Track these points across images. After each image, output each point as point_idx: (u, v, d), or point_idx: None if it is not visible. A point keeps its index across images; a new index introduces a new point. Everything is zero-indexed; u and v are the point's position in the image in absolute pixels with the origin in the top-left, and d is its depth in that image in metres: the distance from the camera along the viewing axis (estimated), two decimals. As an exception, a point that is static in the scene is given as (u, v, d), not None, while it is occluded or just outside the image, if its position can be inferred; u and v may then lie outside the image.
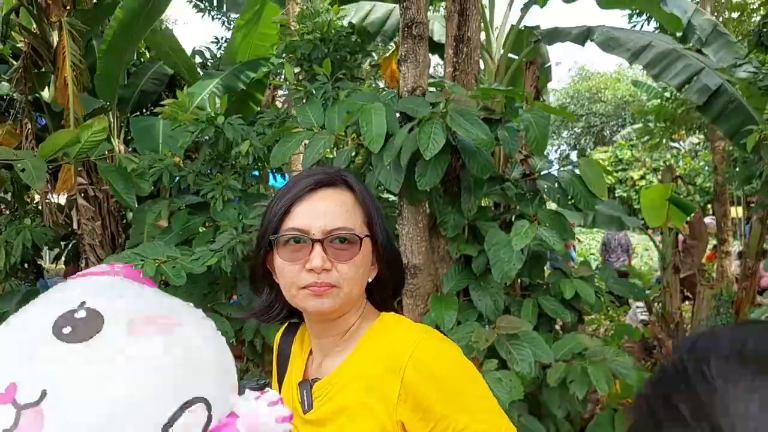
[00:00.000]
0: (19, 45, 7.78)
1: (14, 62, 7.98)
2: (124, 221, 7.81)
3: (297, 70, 5.23)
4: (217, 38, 11.95)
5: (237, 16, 13.66)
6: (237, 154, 4.56)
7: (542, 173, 4.37)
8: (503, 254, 3.68)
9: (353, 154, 4.28)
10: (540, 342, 3.50)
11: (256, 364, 4.99)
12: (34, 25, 7.30)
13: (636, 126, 25.70)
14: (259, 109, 8.05)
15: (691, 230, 7.01)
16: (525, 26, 5.71)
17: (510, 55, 5.78)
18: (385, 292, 1.35)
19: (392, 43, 8.08)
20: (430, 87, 4.25)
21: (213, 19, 13.47)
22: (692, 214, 6.19)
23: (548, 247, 4.20)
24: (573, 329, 4.23)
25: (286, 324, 1.48)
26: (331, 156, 4.63)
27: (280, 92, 11.19)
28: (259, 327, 4.69)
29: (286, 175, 7.57)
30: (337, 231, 1.20)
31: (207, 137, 4.56)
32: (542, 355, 3.44)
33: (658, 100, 17.80)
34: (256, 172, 5.76)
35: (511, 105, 4.30)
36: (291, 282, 1.20)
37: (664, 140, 10.26)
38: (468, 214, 4.08)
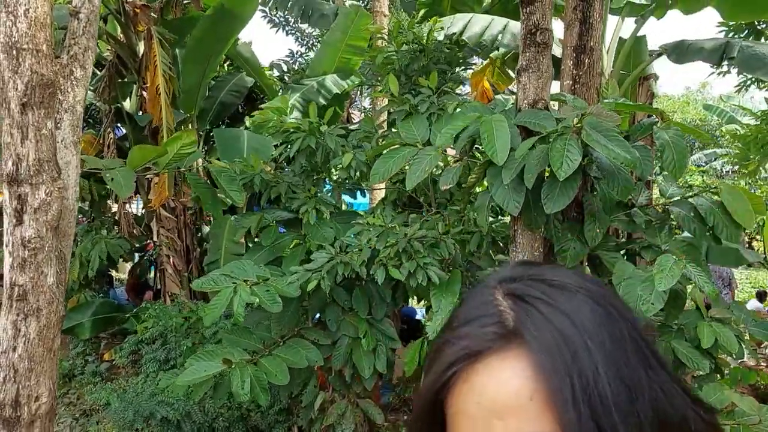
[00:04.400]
0: (104, 54, 7.77)
1: (98, 71, 7.99)
2: (199, 234, 7.66)
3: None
4: (292, 52, 11.91)
5: (311, 30, 13.74)
6: (335, 166, 4.27)
7: (674, 199, 3.91)
8: (641, 291, 3.23)
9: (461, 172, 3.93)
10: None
11: (342, 395, 4.64)
12: (120, 35, 7.26)
13: (707, 151, 24.60)
14: (336, 123, 7.83)
15: (810, 267, 6.34)
16: (636, 37, 5.25)
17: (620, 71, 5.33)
18: None
19: (477, 59, 7.75)
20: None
21: (287, 34, 13.47)
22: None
23: (682, 283, 3.74)
24: (709, 379, 3.71)
25: None
26: (437, 172, 4.28)
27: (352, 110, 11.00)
28: (350, 355, 4.35)
29: (366, 192, 7.29)
30: None
31: (305, 146, 4.29)
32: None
33: (733, 125, 16.85)
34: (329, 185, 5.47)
35: (641, 123, 3.87)
36: None
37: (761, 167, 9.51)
38: (592, 243, 3.65)
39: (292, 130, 4.38)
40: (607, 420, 0.58)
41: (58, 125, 3.67)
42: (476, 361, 0.62)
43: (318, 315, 4.88)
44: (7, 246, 3.37)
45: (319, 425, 4.74)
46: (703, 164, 24.95)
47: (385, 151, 4.16)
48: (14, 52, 3.26)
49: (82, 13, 3.85)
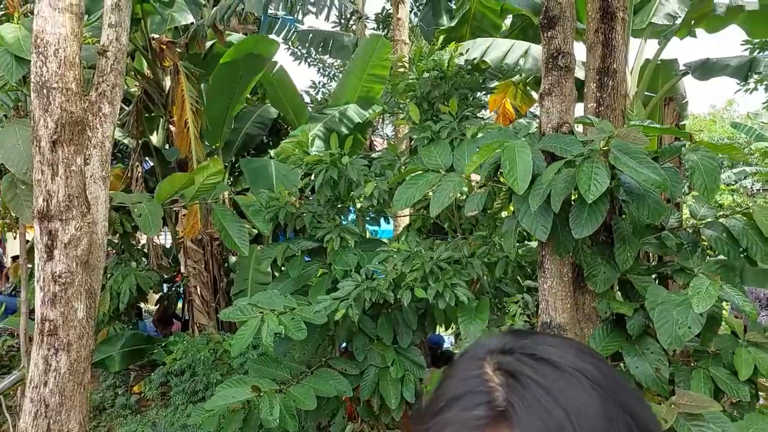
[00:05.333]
0: (131, 90, 7.95)
1: (125, 107, 8.16)
2: (226, 265, 7.70)
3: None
4: (314, 83, 12.07)
5: (332, 61, 13.92)
6: (359, 195, 4.29)
7: (705, 221, 3.82)
8: (677, 315, 3.15)
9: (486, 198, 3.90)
10: (728, 425, 2.92)
11: (371, 426, 4.58)
12: (147, 70, 7.42)
13: (736, 170, 24.16)
14: (360, 152, 7.86)
15: None
16: (661, 59, 5.22)
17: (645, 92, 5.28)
18: None
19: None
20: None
21: (309, 66, 13.66)
22: None
23: (718, 306, 3.64)
24: (749, 407, 3.59)
25: None
26: (462, 197, 4.26)
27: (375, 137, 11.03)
28: (377, 385, 4.30)
29: (390, 220, 7.28)
30: None
31: (328, 178, 4.31)
32: (733, 440, 2.86)
33: (762, 143, 16.49)
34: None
35: (669, 146, 3.83)
36: None
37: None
38: (623, 267, 3.58)
39: (314, 162, 4.41)
40: None
41: (88, 161, 3.75)
42: None
43: (344, 344, 4.85)
44: (38, 281, 3.42)
45: (348, 457, 4.68)
46: (733, 183, 24.47)
47: (407, 178, 4.16)
48: (45, 91, 3.35)
49: (110, 51, 3.95)
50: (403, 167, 4.61)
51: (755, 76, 4.50)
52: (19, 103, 4.75)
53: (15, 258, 11.28)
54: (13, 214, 4.71)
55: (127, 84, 8.19)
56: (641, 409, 0.59)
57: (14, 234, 5.77)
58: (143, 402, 6.80)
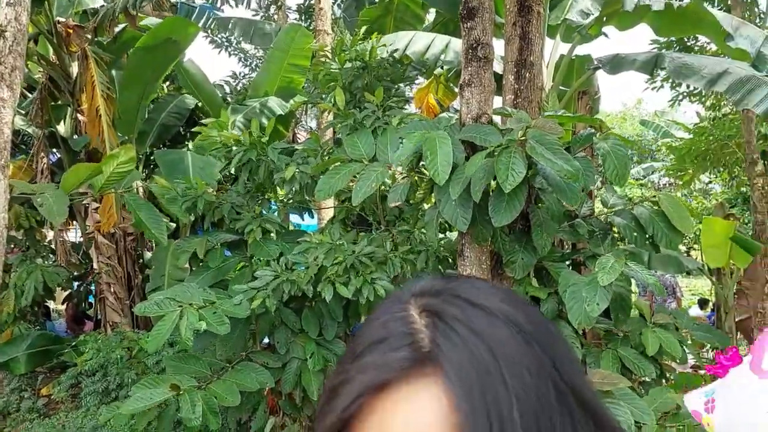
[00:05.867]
0: (36, 76, 7.49)
1: (29, 94, 7.70)
2: (141, 261, 7.41)
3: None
4: (235, 73, 11.78)
5: (255, 51, 13.63)
6: (280, 182, 4.19)
7: (616, 209, 3.98)
8: (585, 293, 3.25)
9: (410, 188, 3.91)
10: (637, 400, 3.06)
11: (293, 419, 4.52)
12: (52, 55, 7.02)
13: (644, 165, 25.51)
14: (280, 142, 7.74)
15: (745, 270, 6.59)
16: (576, 55, 5.40)
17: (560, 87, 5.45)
18: None
19: (422, 78, 7.81)
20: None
21: (230, 55, 13.34)
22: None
23: (627, 288, 3.80)
24: (655, 384, 3.78)
25: None
26: (385, 188, 4.26)
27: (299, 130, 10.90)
28: (300, 378, 4.24)
29: (314, 214, 7.21)
30: None
31: (248, 160, 4.19)
32: (642, 414, 3.00)
33: (668, 139, 17.58)
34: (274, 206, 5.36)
35: (580, 135, 3.96)
36: None
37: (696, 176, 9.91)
38: (542, 251, 3.68)
39: (232, 143, 4.28)
40: None
41: (-15, 148, 3.49)
42: (385, 390, 0.53)
43: (267, 339, 4.76)
44: (-72, 277, 3.16)
45: (270, 452, 4.60)
46: (642, 177, 25.78)
47: (330, 167, 4.12)
48: (-66, 71, 3.09)
49: (9, 31, 3.69)
50: (327, 156, 4.57)
51: (662, 73, 4.73)
52: None
53: None
54: None
55: (31, 69, 7.72)
56: (569, 364, 0.56)
57: None
58: (52, 405, 6.46)
